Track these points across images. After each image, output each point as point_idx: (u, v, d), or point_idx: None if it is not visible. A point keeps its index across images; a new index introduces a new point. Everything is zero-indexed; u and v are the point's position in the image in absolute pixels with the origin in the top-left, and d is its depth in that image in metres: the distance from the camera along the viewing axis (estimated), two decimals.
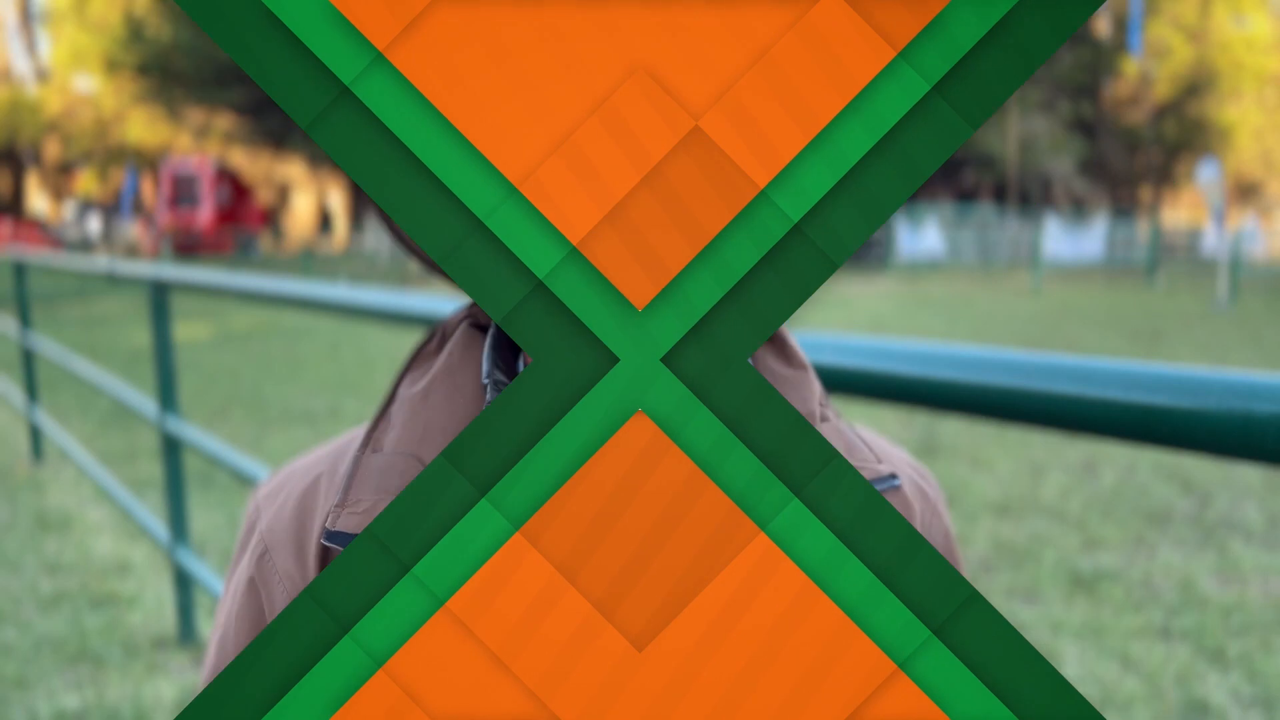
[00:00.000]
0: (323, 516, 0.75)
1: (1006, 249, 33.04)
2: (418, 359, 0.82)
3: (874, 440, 0.85)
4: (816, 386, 0.82)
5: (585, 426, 0.52)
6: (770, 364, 0.82)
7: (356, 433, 0.83)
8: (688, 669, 0.52)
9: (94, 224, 40.72)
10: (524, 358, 0.80)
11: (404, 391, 0.79)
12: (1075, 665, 3.36)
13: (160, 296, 3.48)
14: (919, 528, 0.81)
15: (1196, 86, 41.26)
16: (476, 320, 0.83)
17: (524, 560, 0.52)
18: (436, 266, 0.86)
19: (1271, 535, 4.73)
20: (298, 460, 0.86)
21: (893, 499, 0.79)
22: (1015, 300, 18.74)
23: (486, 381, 0.76)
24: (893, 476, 0.79)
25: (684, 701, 0.52)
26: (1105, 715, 2.83)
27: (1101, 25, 41.65)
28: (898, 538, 0.52)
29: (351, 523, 0.70)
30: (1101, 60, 41.84)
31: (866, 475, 0.77)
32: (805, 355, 0.84)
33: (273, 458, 5.95)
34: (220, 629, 0.80)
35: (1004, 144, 36.38)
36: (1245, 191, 47.12)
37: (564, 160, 0.51)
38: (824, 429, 0.79)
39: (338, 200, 48.02)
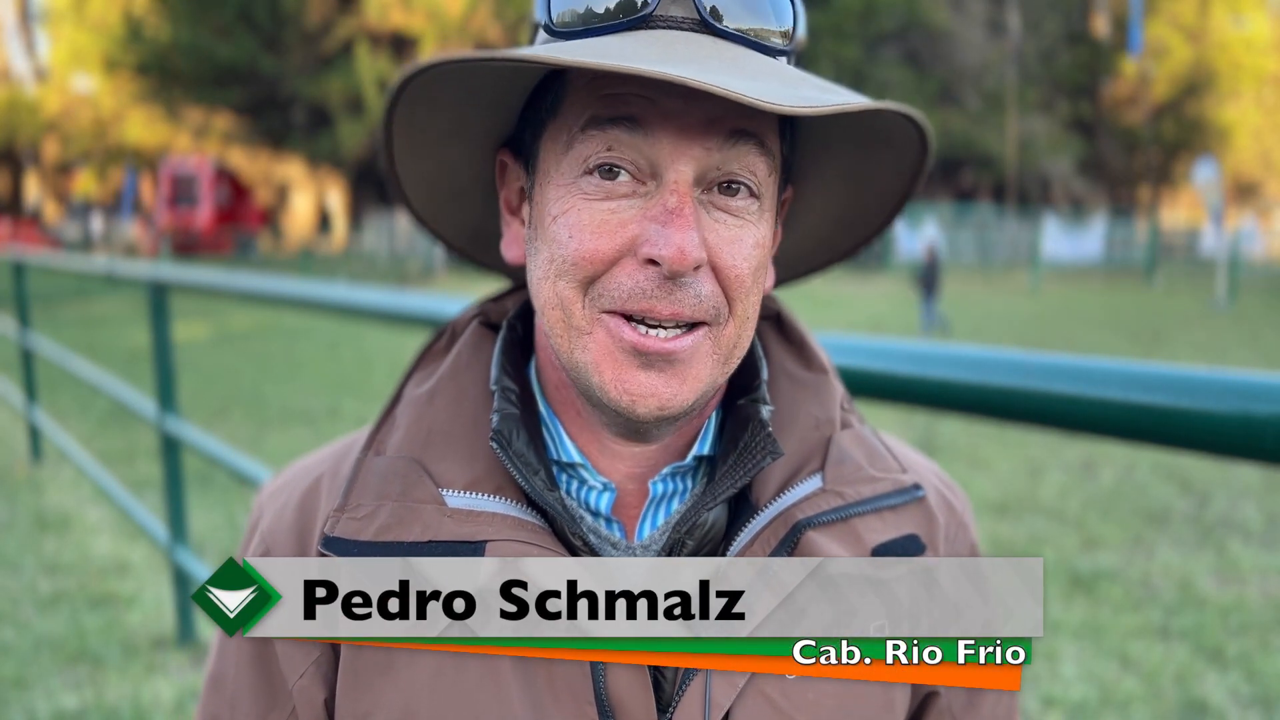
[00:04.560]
0: (323, 518, 0.74)
1: (1005, 249, 33.05)
2: (426, 358, 0.80)
3: (900, 449, 0.82)
4: (839, 390, 0.80)
5: None
6: (788, 367, 0.80)
7: (362, 432, 0.81)
8: None
9: (96, 224, 40.74)
10: (534, 362, 0.79)
11: (410, 392, 0.78)
12: (1074, 665, 3.36)
13: (159, 297, 3.47)
14: (943, 541, 0.78)
15: (1195, 86, 41.26)
16: (487, 319, 0.82)
17: None
18: (466, 254, 0.87)
19: (1270, 535, 4.73)
20: (302, 459, 0.85)
21: (916, 510, 0.77)
22: (1014, 300, 18.74)
23: (494, 387, 0.74)
24: (916, 487, 0.77)
25: None
26: (1105, 715, 2.81)
27: (1100, 25, 41.68)
28: None
29: (350, 528, 0.69)
30: (1100, 60, 41.84)
31: (888, 485, 0.75)
32: (827, 358, 0.82)
33: (272, 458, 5.94)
34: (221, 629, 0.79)
35: (1003, 144, 36.39)
36: (1244, 191, 47.15)
37: None
38: (845, 435, 0.77)
39: (336, 200, 47.98)
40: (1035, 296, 19.55)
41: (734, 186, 0.67)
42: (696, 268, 0.65)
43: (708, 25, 0.65)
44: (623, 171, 0.65)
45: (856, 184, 0.82)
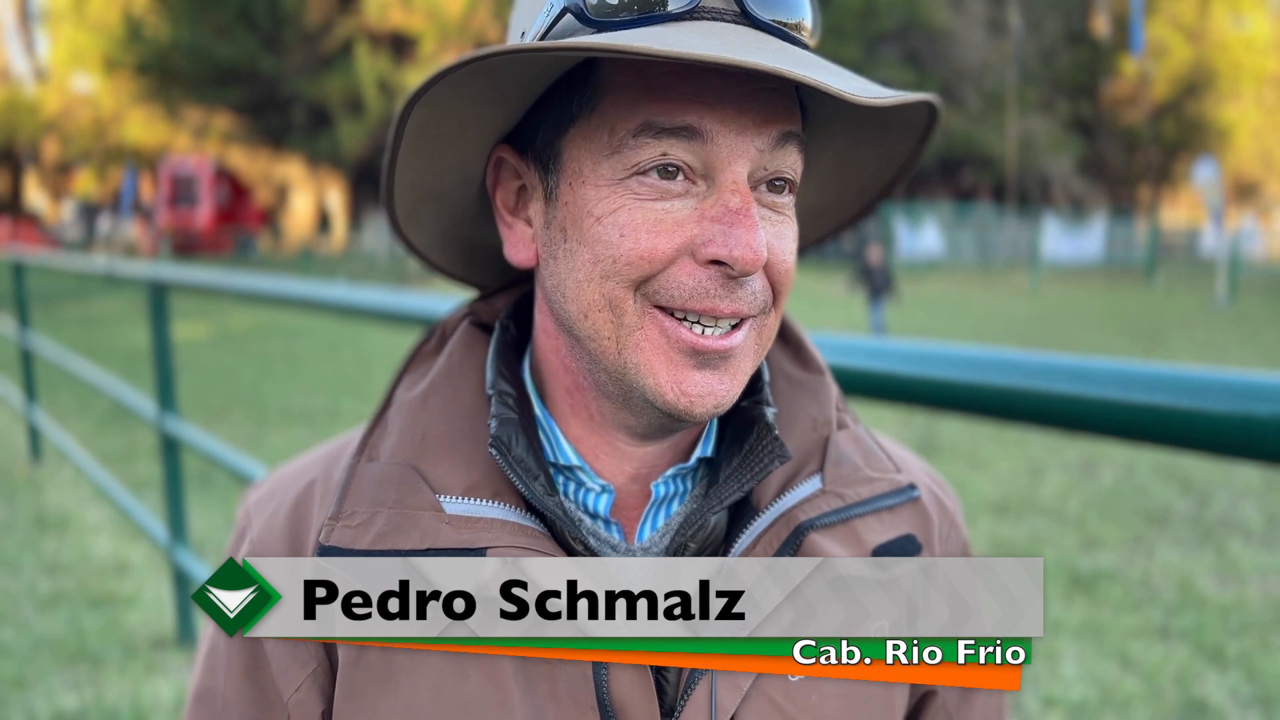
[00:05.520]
0: (317, 525, 0.72)
1: (1005, 249, 33.05)
2: (416, 359, 0.78)
3: (893, 449, 0.82)
4: (834, 391, 0.80)
5: None
6: (786, 368, 0.80)
7: (352, 435, 0.79)
8: None
9: (104, 224, 40.72)
10: (528, 363, 0.78)
11: (401, 395, 0.75)
12: (1074, 665, 3.36)
13: (159, 296, 3.47)
14: (936, 541, 0.78)
15: (1195, 86, 41.27)
16: (478, 319, 0.80)
17: None
18: (437, 266, 0.84)
19: (1270, 535, 4.73)
20: (290, 464, 0.82)
21: (911, 510, 0.76)
22: (1014, 300, 18.74)
23: (491, 391, 0.73)
24: (911, 487, 0.77)
25: None
26: (1105, 715, 2.81)
27: (1100, 25, 41.68)
28: None
29: (346, 537, 0.67)
30: (1100, 60, 41.85)
31: (885, 486, 0.75)
32: (823, 358, 0.82)
33: (271, 457, 5.94)
34: (209, 641, 0.76)
35: (1003, 144, 36.37)
36: (1244, 191, 47.18)
37: None
38: (842, 436, 0.77)
39: (336, 200, 47.97)
40: (1035, 296, 19.55)
41: (779, 184, 0.67)
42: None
43: (748, 16, 0.64)
44: (679, 172, 0.64)
45: (843, 174, 0.82)
